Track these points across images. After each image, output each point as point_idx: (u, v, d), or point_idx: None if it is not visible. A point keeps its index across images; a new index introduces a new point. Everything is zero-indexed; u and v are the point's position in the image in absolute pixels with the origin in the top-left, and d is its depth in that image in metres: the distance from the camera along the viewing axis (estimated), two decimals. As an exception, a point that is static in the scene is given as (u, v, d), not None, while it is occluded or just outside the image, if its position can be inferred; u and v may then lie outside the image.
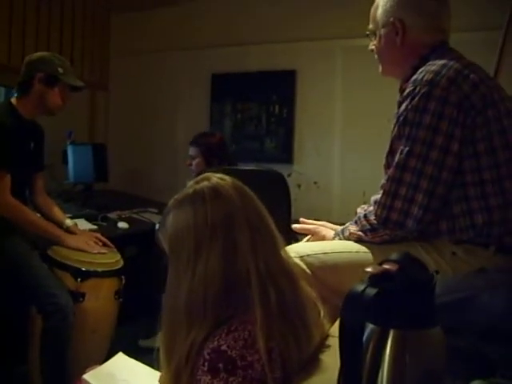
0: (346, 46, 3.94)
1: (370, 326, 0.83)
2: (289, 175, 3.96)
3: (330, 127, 4.07)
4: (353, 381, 0.78)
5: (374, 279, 0.80)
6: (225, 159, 3.44)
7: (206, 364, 1.07)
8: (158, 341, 1.20)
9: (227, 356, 1.06)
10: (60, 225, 2.76)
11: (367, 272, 0.81)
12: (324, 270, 1.61)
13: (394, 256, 0.84)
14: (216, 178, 1.23)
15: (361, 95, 3.89)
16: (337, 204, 4.03)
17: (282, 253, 1.24)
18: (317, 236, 1.85)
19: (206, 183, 1.22)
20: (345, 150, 4.02)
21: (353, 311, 0.78)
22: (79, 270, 2.50)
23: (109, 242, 2.81)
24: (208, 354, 1.08)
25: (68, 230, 2.76)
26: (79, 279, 2.47)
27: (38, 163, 2.88)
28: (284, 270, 1.21)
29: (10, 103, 2.69)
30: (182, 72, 4.65)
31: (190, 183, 1.25)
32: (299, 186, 4.10)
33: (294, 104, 4.18)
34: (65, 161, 4.15)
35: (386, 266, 0.82)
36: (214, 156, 3.41)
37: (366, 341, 0.83)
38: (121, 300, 2.68)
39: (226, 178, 1.24)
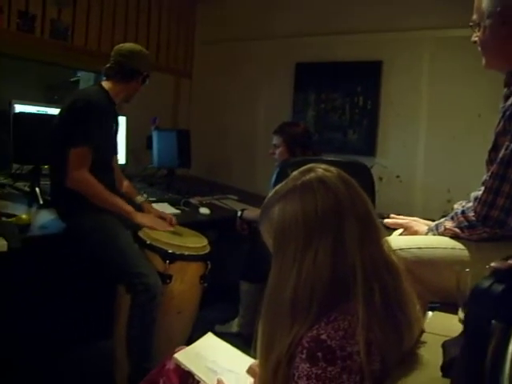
0: (434, 37, 3.83)
1: (492, 322, 0.80)
2: (371, 167, 3.89)
3: (416, 120, 3.97)
4: (476, 378, 0.76)
5: (500, 274, 0.77)
6: (308, 149, 3.41)
7: (305, 352, 1.07)
8: (258, 332, 1.18)
9: (327, 345, 1.05)
10: (133, 200, 2.90)
11: (492, 267, 0.78)
12: (418, 265, 1.58)
13: (520, 252, 0.81)
14: (322, 169, 1.21)
15: (449, 88, 3.74)
16: (419, 199, 3.93)
17: (384, 244, 1.22)
18: (409, 231, 1.82)
19: (312, 175, 1.19)
20: (430, 144, 3.91)
21: (479, 307, 0.76)
22: (168, 252, 2.56)
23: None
24: (307, 342, 1.07)
25: (140, 206, 2.88)
26: (167, 261, 2.53)
27: (116, 145, 2.98)
28: (387, 263, 1.19)
29: (102, 86, 2.76)
30: (266, 61, 4.67)
31: (294, 174, 1.22)
32: (381, 178, 4.02)
33: (378, 96, 4.10)
34: (149, 146, 4.26)
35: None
36: (297, 145, 3.38)
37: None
38: (205, 285, 2.74)
39: (332, 169, 1.22)
